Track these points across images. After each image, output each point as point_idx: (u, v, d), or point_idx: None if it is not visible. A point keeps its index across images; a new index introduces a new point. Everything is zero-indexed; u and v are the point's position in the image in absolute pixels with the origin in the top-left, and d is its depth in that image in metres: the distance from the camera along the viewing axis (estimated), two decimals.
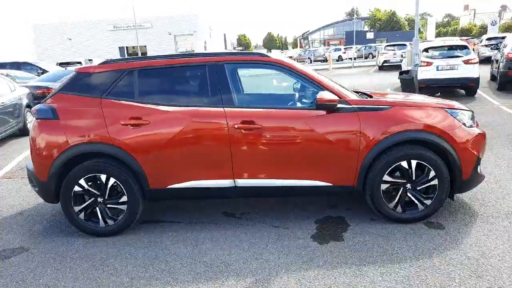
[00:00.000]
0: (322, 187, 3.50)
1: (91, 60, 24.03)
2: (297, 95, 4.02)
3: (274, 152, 3.46)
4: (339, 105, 3.40)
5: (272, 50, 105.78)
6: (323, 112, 3.40)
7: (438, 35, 65.96)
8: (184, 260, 3.10)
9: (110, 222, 3.53)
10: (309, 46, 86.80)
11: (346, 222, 3.64)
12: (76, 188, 3.46)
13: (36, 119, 3.54)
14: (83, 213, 3.51)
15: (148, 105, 3.46)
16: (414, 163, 3.42)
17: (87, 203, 3.50)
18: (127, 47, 56.19)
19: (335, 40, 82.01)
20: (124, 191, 3.47)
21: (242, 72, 4.20)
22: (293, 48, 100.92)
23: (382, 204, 3.51)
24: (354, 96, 3.61)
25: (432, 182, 3.46)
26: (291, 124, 3.43)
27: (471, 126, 3.60)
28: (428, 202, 3.51)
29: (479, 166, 3.61)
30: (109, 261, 3.14)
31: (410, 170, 3.44)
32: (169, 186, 3.49)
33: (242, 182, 3.48)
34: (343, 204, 4.00)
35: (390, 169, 3.43)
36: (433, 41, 19.76)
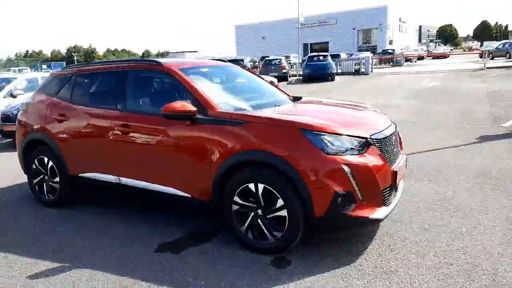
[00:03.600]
0: (184, 197, 3.48)
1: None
2: None
3: (144, 156, 3.65)
4: (198, 116, 3.30)
5: (484, 42, 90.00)
6: (187, 122, 3.36)
7: None
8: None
9: (51, 196, 4.46)
10: None
11: (213, 236, 3.51)
12: (33, 166, 4.54)
13: (21, 110, 4.77)
14: (37, 185, 4.56)
15: (72, 105, 4.19)
16: (261, 187, 3.03)
17: (38, 178, 4.53)
18: (310, 44, 58.62)
19: None
20: (57, 173, 4.33)
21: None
22: None
23: (235, 226, 3.24)
24: (228, 108, 3.40)
25: (281, 213, 2.99)
26: (156, 131, 3.53)
27: (348, 154, 2.87)
28: (278, 234, 3.05)
29: (352, 205, 2.86)
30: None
31: (257, 194, 3.06)
32: (80, 174, 4.16)
33: (124, 180, 3.83)
34: None
35: (239, 190, 3.14)
36: None
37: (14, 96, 9.51)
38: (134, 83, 3.87)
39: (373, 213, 2.96)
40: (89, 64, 4.40)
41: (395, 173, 3.13)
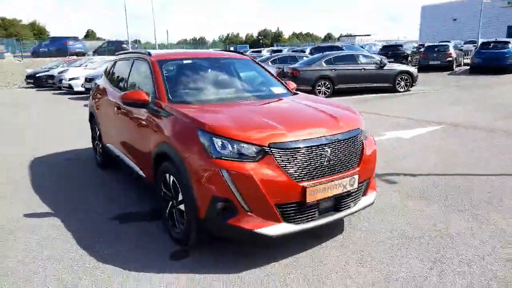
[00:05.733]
0: (143, 177, 3.84)
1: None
2: None
3: (127, 137, 4.15)
4: (150, 105, 3.56)
5: None
6: (144, 109, 3.64)
7: None
8: None
9: (99, 158, 5.49)
10: None
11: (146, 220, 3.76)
12: (92, 133, 5.67)
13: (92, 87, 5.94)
14: (95, 148, 5.68)
15: (107, 85, 5.02)
16: (171, 179, 3.14)
17: (95, 142, 5.63)
18: None
19: None
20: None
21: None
22: None
23: (164, 212, 3.43)
24: (185, 101, 3.54)
25: (182, 207, 3.04)
26: (132, 115, 3.95)
27: (234, 160, 2.68)
28: (181, 227, 3.12)
29: (233, 214, 2.70)
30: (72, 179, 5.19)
31: (169, 185, 3.18)
32: (107, 144, 4.99)
33: (121, 155, 4.44)
34: None
35: (162, 178, 3.30)
36: None
37: None
38: (134, 70, 4.38)
39: (262, 228, 2.70)
40: (123, 53, 5.15)
41: (303, 189, 2.73)
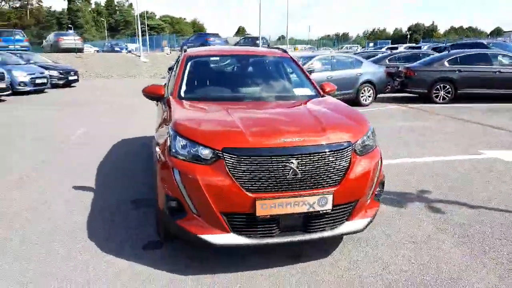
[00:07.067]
0: None
1: None
2: None
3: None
4: (164, 100, 3.76)
5: None
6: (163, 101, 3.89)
7: None
8: None
9: None
10: None
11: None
12: None
13: None
14: None
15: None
16: None
17: None
18: None
19: None
20: None
21: None
22: None
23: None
24: (196, 96, 3.66)
25: None
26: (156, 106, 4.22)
27: (188, 161, 2.65)
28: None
29: (183, 215, 2.67)
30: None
31: None
32: None
33: None
34: None
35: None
36: None
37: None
38: (178, 67, 4.60)
39: (207, 234, 2.62)
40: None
41: (253, 201, 2.52)
